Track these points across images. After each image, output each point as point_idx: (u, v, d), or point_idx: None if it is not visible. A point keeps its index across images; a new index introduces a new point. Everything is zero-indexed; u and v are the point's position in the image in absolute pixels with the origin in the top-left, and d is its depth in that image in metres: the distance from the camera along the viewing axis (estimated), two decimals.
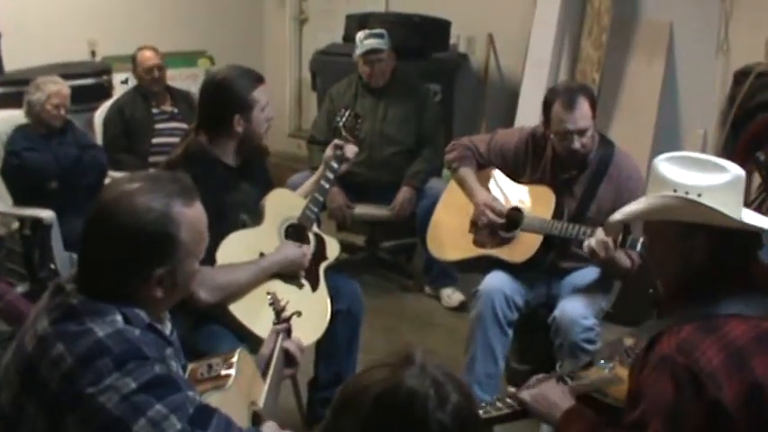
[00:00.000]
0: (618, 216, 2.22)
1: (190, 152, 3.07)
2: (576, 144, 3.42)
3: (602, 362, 2.47)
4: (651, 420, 1.91)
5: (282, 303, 2.67)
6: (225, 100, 3.09)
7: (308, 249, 3.25)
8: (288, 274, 3.15)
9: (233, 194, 3.11)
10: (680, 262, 2.06)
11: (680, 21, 5.08)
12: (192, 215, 1.89)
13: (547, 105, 3.48)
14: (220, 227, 2.76)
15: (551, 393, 2.32)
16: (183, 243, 1.86)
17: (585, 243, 3.27)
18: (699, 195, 1.98)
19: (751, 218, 2.05)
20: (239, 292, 2.98)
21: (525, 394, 2.37)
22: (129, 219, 1.80)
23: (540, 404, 2.32)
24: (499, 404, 2.47)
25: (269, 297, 2.70)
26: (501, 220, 3.67)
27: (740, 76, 4.62)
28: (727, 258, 2.02)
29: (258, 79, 3.16)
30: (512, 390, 2.50)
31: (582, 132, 3.41)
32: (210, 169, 3.02)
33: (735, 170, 2.05)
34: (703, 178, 2.02)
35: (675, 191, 2.02)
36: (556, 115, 3.44)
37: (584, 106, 3.39)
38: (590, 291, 3.47)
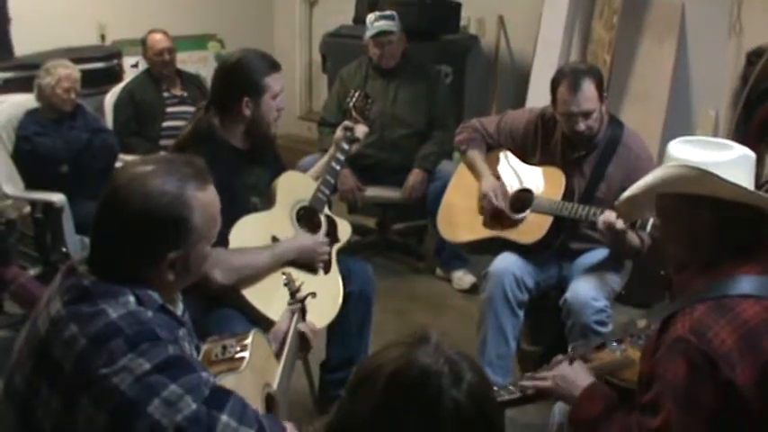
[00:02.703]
0: (627, 192, 2.24)
1: (198, 131, 3.06)
2: (581, 126, 3.42)
3: (613, 344, 2.48)
4: (665, 402, 1.91)
5: (297, 284, 2.67)
6: (236, 80, 3.08)
7: (326, 240, 3.25)
8: (303, 263, 3.16)
9: (243, 177, 3.11)
10: (688, 238, 2.08)
11: (692, 1, 5.04)
12: (206, 199, 1.89)
13: (554, 86, 3.48)
14: (231, 209, 2.77)
15: (570, 373, 2.33)
16: (197, 227, 1.86)
17: (600, 218, 3.26)
18: None
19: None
20: (254, 275, 2.97)
21: (545, 377, 2.38)
22: (143, 202, 1.81)
23: (560, 385, 2.33)
24: (511, 387, 2.48)
25: (284, 277, 2.71)
26: (501, 206, 3.68)
27: (753, 57, 4.59)
28: (735, 235, 2.03)
29: (273, 66, 3.13)
30: (528, 375, 2.50)
31: (587, 115, 3.41)
32: (218, 150, 3.01)
33: (742, 150, 2.09)
34: (710, 155, 2.06)
35: None
36: (561, 97, 3.44)
37: (589, 88, 3.38)
38: (601, 272, 3.47)
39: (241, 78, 3.07)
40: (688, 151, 2.08)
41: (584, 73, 3.42)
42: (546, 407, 2.73)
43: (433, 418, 1.34)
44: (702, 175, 1.99)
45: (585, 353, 2.45)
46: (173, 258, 1.85)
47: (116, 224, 1.84)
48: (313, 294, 2.68)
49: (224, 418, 1.72)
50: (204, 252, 1.93)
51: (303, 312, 2.59)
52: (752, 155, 2.10)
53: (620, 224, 3.18)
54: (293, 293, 2.63)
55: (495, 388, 2.46)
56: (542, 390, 2.39)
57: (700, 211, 2.03)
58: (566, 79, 3.42)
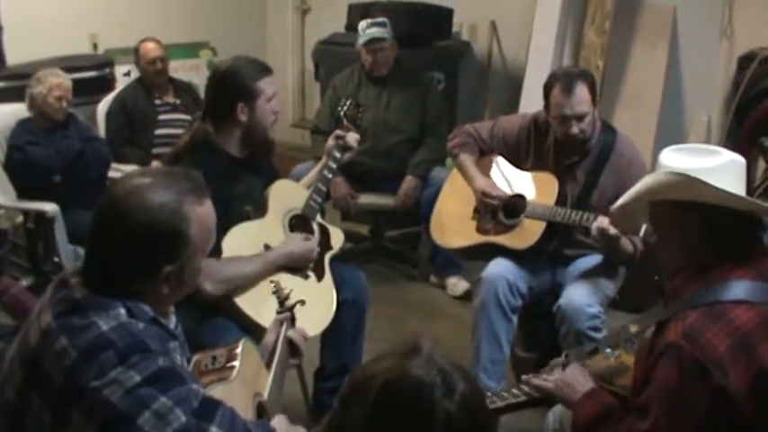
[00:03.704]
0: (619, 201, 2.25)
1: (195, 140, 3.06)
2: (575, 129, 3.42)
3: (607, 350, 2.48)
4: (654, 406, 1.92)
5: (286, 292, 2.67)
6: (229, 87, 3.08)
7: (315, 242, 3.24)
8: (295, 267, 3.15)
9: (238, 186, 3.10)
10: (680, 244, 2.10)
11: (683, 5, 5.05)
12: (203, 213, 1.89)
13: (547, 90, 3.48)
14: (225, 218, 2.76)
15: (572, 377, 2.33)
16: (193, 241, 1.86)
17: (594, 224, 3.26)
18: None
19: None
20: (245, 284, 2.97)
21: (548, 379, 2.38)
22: (142, 215, 1.80)
23: (561, 388, 2.33)
24: (505, 393, 2.47)
25: (272, 285, 2.70)
26: (500, 200, 3.67)
27: (744, 62, 4.60)
28: (726, 239, 2.04)
29: (265, 70, 3.14)
30: (526, 377, 2.50)
31: (580, 118, 3.40)
32: (215, 159, 3.01)
33: (731, 156, 2.10)
34: (698, 162, 2.07)
35: None
36: (554, 100, 3.43)
37: (582, 91, 3.38)
38: (595, 278, 3.46)
39: (234, 84, 3.08)
40: (677, 159, 2.10)
41: (577, 76, 3.43)
42: (541, 413, 2.73)
43: (426, 430, 1.33)
44: (688, 180, 2.00)
45: (580, 359, 2.45)
46: (168, 272, 1.84)
47: (113, 236, 1.83)
48: (302, 302, 2.67)
49: (213, 429, 1.72)
50: (199, 265, 1.93)
51: (292, 320, 2.58)
52: (741, 160, 2.11)
53: (613, 230, 3.19)
54: (282, 302, 2.63)
55: (489, 394, 2.47)
56: (544, 390, 2.39)
57: (689, 217, 2.04)
58: (559, 83, 3.42)
